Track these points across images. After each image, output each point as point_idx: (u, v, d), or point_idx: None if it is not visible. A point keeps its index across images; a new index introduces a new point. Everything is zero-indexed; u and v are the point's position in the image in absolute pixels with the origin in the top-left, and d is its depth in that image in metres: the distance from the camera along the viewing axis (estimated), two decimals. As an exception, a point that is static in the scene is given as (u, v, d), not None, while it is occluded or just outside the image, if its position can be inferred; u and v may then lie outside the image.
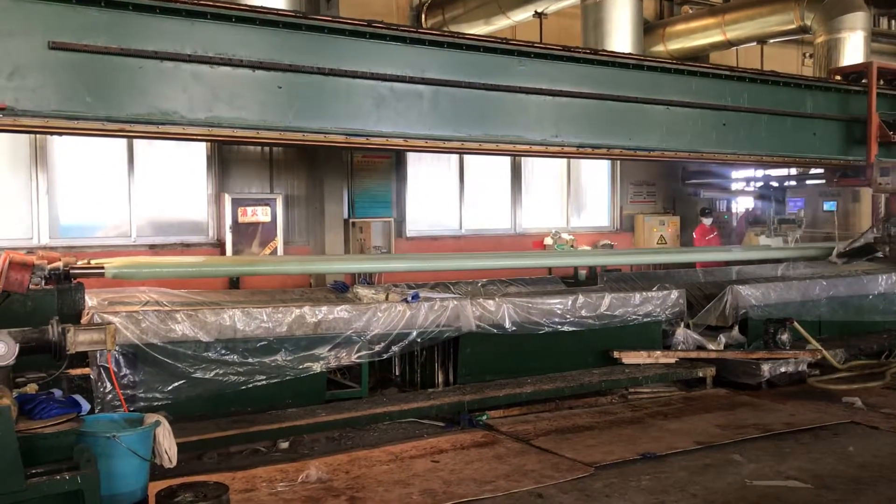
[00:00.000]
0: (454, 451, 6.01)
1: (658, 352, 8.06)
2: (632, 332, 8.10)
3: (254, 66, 6.20)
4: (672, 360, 8.01)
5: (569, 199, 14.15)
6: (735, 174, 11.57)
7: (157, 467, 4.74)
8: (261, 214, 10.52)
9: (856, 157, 9.61)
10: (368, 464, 5.76)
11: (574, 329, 7.75)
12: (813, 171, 11.86)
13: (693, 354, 8.13)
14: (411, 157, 12.13)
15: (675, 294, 8.35)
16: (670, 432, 6.48)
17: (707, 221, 12.83)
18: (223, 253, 10.44)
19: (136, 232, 10.25)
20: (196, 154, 10.57)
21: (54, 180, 9.77)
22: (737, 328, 8.58)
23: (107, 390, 5.66)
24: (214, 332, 6.17)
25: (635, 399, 7.64)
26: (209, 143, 10.31)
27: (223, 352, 6.21)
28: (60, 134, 6.45)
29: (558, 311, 7.69)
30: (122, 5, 5.68)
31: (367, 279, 9.68)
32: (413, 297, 7.05)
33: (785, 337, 8.27)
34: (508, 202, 13.49)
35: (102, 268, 6.37)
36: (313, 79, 6.43)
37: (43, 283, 5.88)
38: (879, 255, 9.40)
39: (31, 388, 4.44)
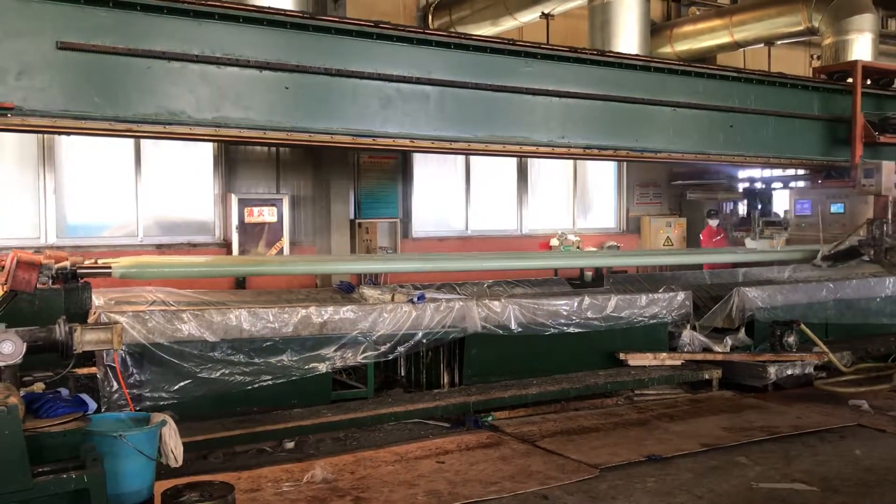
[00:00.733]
0: (459, 452, 6.01)
1: (664, 354, 8.04)
2: (638, 334, 8.09)
3: (261, 66, 6.21)
4: (678, 362, 7.99)
5: (575, 201, 14.13)
6: (720, 175, 11.34)
7: (163, 467, 4.76)
8: (267, 215, 10.54)
9: (841, 158, 9.44)
10: (374, 464, 5.76)
11: (580, 330, 7.74)
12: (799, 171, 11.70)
13: (699, 356, 8.11)
14: (417, 158, 12.13)
15: (681, 296, 8.34)
16: (676, 434, 6.47)
17: (713, 223, 12.80)
18: (229, 253, 10.46)
19: (142, 232, 10.27)
20: (203, 154, 10.59)
21: (62, 180, 9.80)
22: (743, 330, 8.55)
23: (113, 389, 5.67)
24: (220, 332, 6.19)
25: (641, 401, 7.63)
26: (216, 144, 10.32)
27: (229, 352, 6.22)
28: (68, 134, 6.49)
29: (564, 313, 7.69)
30: (129, 6, 5.70)
31: (373, 280, 9.70)
32: (419, 298, 7.06)
33: (791, 339, 8.26)
34: (514, 203, 13.48)
35: (109, 267, 6.39)
36: (320, 79, 6.44)
37: (50, 283, 5.91)
38: (865, 258, 9.20)
39: (38, 387, 4.46)
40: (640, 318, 8.08)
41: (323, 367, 6.52)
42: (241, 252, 10.39)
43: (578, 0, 10.57)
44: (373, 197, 11.39)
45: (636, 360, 7.92)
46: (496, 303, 7.40)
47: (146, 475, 4.50)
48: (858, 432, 6.59)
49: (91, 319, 5.88)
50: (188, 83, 5.98)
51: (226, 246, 10.62)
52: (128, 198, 10.18)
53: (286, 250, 10.64)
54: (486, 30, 11.56)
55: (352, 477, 5.49)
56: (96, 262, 6.52)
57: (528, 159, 13.14)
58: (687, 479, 5.44)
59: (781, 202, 12.77)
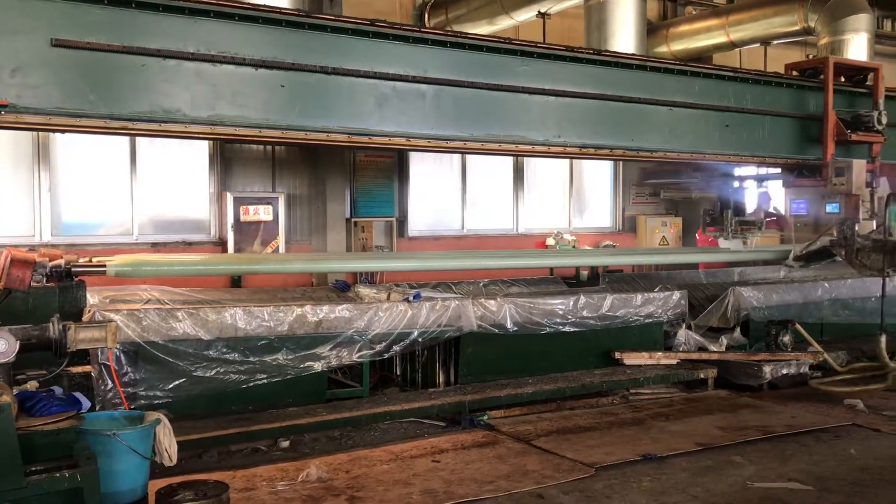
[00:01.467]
0: (455, 451, 6.00)
1: (659, 353, 8.05)
2: (633, 333, 8.10)
3: (256, 64, 6.20)
4: (673, 362, 8.00)
5: (571, 200, 14.12)
6: (695, 174, 11.10)
7: (158, 465, 4.75)
8: (263, 213, 10.52)
9: (812, 156, 9.31)
10: (369, 463, 5.75)
11: (575, 329, 7.74)
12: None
13: (694, 356, 8.12)
14: (413, 157, 12.11)
15: (676, 295, 8.35)
16: (671, 433, 6.47)
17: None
18: (225, 251, 10.44)
19: (137, 230, 10.24)
20: (198, 152, 10.56)
21: (57, 178, 9.76)
22: (738, 330, 8.57)
23: (108, 388, 5.66)
24: (215, 331, 6.18)
25: (636, 400, 7.63)
26: (211, 142, 10.30)
27: (224, 350, 6.21)
28: (63, 131, 6.47)
29: (560, 312, 7.69)
30: (125, 3, 5.69)
31: (369, 279, 9.69)
32: (414, 297, 7.05)
33: (787, 339, 8.28)
34: (510, 202, 13.47)
35: (104, 266, 6.38)
36: (316, 77, 6.43)
37: (44, 281, 5.89)
38: (837, 258, 9.13)
39: (32, 386, 4.44)
40: (636, 318, 8.08)
41: (318, 366, 6.51)
42: (237, 251, 10.37)
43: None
44: (369, 196, 11.37)
45: (632, 359, 7.93)
46: (492, 302, 7.39)
47: (140, 474, 4.49)
48: (854, 432, 6.60)
49: (85, 318, 5.86)
50: (183, 81, 5.97)
51: (221, 244, 10.59)
52: (123, 196, 10.15)
53: (282, 249, 10.62)
54: (482, 28, 11.55)
55: (347, 476, 5.48)
56: (91, 261, 6.51)
57: (525, 158, 13.13)
58: (682, 479, 5.44)
59: (778, 201, 12.77)
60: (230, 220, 10.39)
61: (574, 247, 12.96)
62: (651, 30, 13.01)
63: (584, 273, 9.95)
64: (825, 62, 9.24)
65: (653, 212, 14.53)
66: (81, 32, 5.56)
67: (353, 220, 11.22)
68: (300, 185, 11.06)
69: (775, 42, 12.84)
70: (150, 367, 5.95)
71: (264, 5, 6.39)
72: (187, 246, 10.45)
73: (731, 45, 12.88)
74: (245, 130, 6.24)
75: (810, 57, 14.64)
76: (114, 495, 4.27)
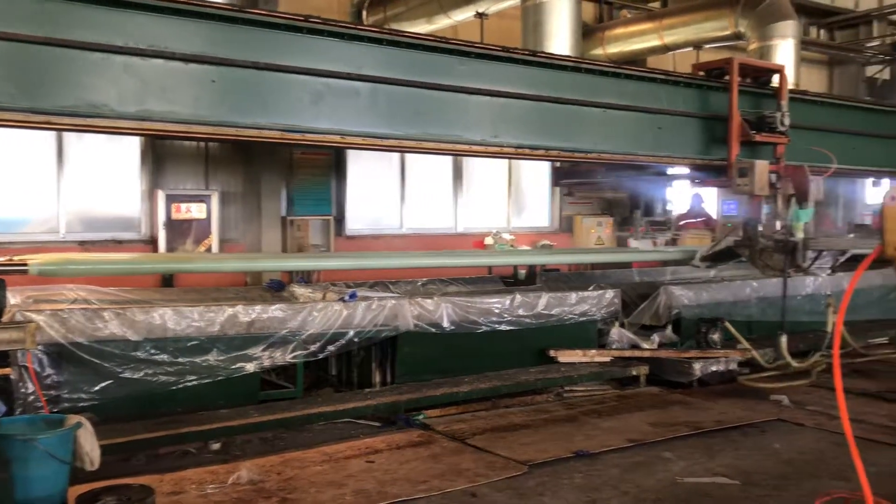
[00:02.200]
0: (389, 451, 5.97)
1: (593, 350, 8.15)
2: (568, 331, 8.18)
3: (187, 59, 6.06)
4: (607, 359, 8.11)
5: (510, 200, 14.23)
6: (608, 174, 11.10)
7: (82, 471, 4.61)
8: (195, 211, 10.32)
9: (718, 157, 9.21)
10: (302, 465, 5.68)
11: (512, 328, 7.79)
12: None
13: (627, 353, 8.25)
14: (351, 155, 12.04)
15: (610, 294, 8.47)
16: (604, 430, 6.56)
17: (643, 223, 13.03)
18: (156, 250, 10.22)
19: (65, 228, 9.94)
20: (129, 149, 10.31)
21: (-23, 174, 9.42)
22: (670, 327, 8.74)
23: (28, 391, 5.47)
24: (144, 331, 6.03)
25: (570, 397, 7.71)
26: (142, 138, 10.06)
27: (153, 351, 6.06)
28: (-19, 125, 6.21)
29: (496, 311, 7.72)
30: (48, -7, 5.49)
31: (305, 278, 9.58)
32: (350, 297, 7.00)
33: (716, 336, 8.46)
34: (450, 201, 13.50)
35: (26, 264, 6.15)
36: (248, 73, 6.31)
37: (-39, 281, 5.66)
38: (742, 259, 9.22)
39: (-55, 390, 4.27)
40: (571, 316, 8.17)
41: (250, 367, 6.41)
42: (169, 249, 10.16)
43: (512, 0, 10.64)
44: (305, 194, 11.25)
45: (566, 357, 8.01)
46: (429, 301, 7.38)
47: (59, 480, 4.35)
48: (778, 426, 6.79)
49: (6, 318, 5.64)
50: (111, 75, 5.79)
51: (152, 243, 10.36)
52: (49, 193, 9.85)
53: (215, 248, 10.44)
54: (420, 27, 11.54)
55: (279, 478, 5.41)
56: (12, 259, 6.27)
57: (464, 158, 13.17)
58: (613, 475, 5.52)
59: (710, 202, 13.06)
60: (162, 218, 10.18)
61: (512, 246, 13.06)
62: (587, 32, 13.19)
63: (522, 272, 10.02)
64: (730, 62, 9.11)
65: (588, 212, 14.72)
66: (3, 23, 5.34)
67: (289, 218, 11.09)
68: (234, 182, 10.89)
69: (707, 46, 13.16)
70: (75, 369, 5.77)
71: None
72: (117, 244, 10.19)
73: (665, 49, 13.15)
74: (175, 126, 6.09)
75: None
76: (31, 501, 4.13)
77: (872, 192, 15.39)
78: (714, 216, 10.92)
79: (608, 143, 8.35)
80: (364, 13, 12.33)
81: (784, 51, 11.53)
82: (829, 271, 10.18)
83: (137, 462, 5.65)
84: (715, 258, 9.31)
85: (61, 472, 4.34)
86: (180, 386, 6.14)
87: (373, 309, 6.95)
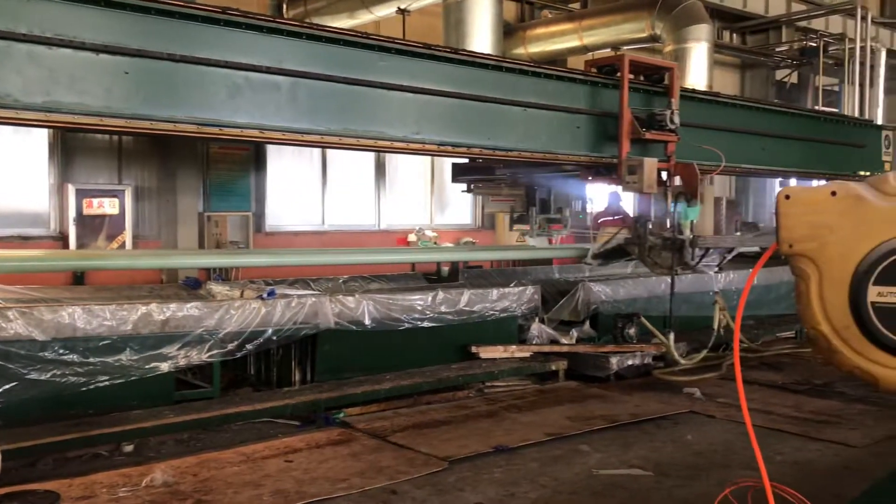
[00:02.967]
0: (308, 451, 5.91)
1: (514, 346, 8.24)
2: (489, 328, 8.24)
3: (98, 49, 5.83)
4: (527, 354, 8.21)
5: (433, 197, 14.26)
6: (499, 172, 11.08)
7: (-17, 477, 4.41)
8: (108, 206, 9.99)
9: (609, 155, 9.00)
10: (218, 466, 5.57)
11: (434, 325, 7.79)
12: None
13: (547, 348, 8.37)
14: (271, 150, 11.86)
15: (530, 290, 8.57)
16: (523, 425, 6.64)
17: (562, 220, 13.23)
18: (66, 247, 9.85)
19: (-34, 223, 9.50)
20: (37, 141, 9.91)
21: None
22: (588, 323, 8.89)
23: (-75, 395, 5.20)
24: (52, 331, 5.79)
25: (491, 393, 7.78)
26: (51, 130, 9.68)
27: (61, 351, 5.82)
28: None
29: (418, 308, 7.72)
30: (-55, -24, 5.22)
31: (223, 275, 9.39)
32: (269, 294, 6.88)
33: (632, 331, 8.67)
34: (373, 198, 13.45)
35: (-78, 262, 5.85)
36: (163, 65, 6.12)
37: None
38: (633, 257, 9.22)
39: None
40: (492, 312, 8.24)
41: (165, 367, 6.23)
42: (79, 246, 9.81)
43: (433, -3, 10.65)
44: (223, 189, 11.03)
45: (487, 352, 8.07)
46: (350, 298, 7.32)
47: (-41, 487, 4.15)
48: (691, 418, 6.99)
49: None
50: (14, 64, 5.52)
51: (62, 239, 9.99)
52: (-50, 186, 9.40)
53: (129, 244, 10.14)
54: (342, 22, 11.45)
55: (194, 479, 5.29)
56: None
57: (387, 154, 13.13)
58: (532, 469, 5.59)
59: (627, 201, 13.36)
60: (72, 213, 9.82)
61: (435, 243, 13.10)
62: (508, 31, 13.32)
63: (445, 269, 10.05)
64: (621, 59, 8.98)
65: (511, 209, 14.85)
66: None
67: (206, 214, 10.85)
68: (149, 177, 10.59)
69: (625, 48, 13.44)
70: (-24, 371, 5.51)
71: (107, -13, 6.04)
72: (23, 241, 9.77)
73: (585, 50, 13.39)
74: (85, 118, 5.85)
75: (658, 64, 15.42)
76: (-72, 511, 3.93)
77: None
78: (631, 214, 11.11)
79: (529, 141, 8.44)
80: (284, 6, 12.16)
81: (698, 54, 11.89)
82: (716, 269, 10.26)
83: (44, 466, 5.44)
84: (606, 256, 9.35)
85: (-40, 480, 4.15)
86: (91, 387, 5.92)
87: (292, 307, 6.85)
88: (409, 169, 13.83)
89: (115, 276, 9.33)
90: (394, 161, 13.54)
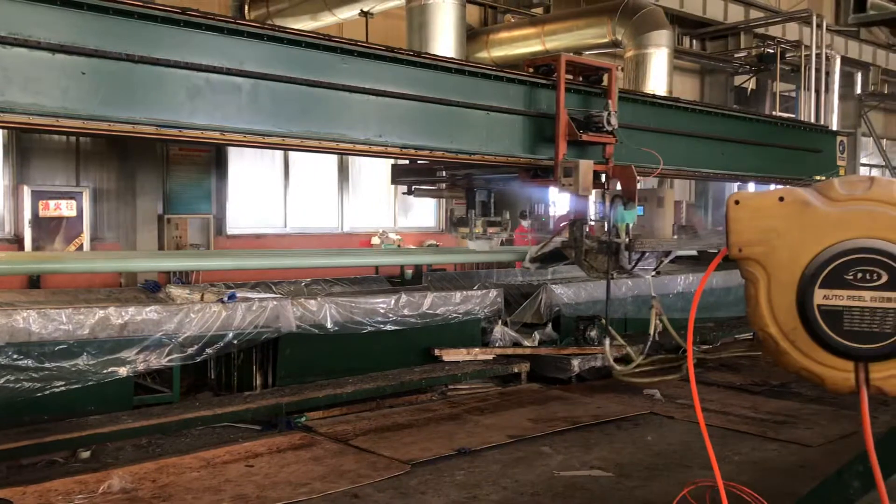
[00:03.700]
0: (270, 455, 5.87)
1: (477, 349, 8.27)
2: (453, 330, 8.26)
3: (54, 49, 5.75)
4: (490, 357, 8.24)
5: (396, 199, 14.25)
6: (441, 174, 10.36)
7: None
8: (65, 209, 9.83)
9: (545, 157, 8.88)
10: (178, 471, 5.51)
11: (397, 328, 7.79)
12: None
13: (509, 351, 8.41)
14: (233, 152, 11.77)
15: (493, 293, 8.61)
16: (486, 427, 6.66)
17: (525, 223, 13.34)
18: (21, 249, 9.66)
19: (-83, 225, 9.28)
20: (-9, 142, 9.73)
21: None
22: (550, 325, 8.96)
23: None
24: (5, 336, 5.68)
25: (454, 395, 7.80)
26: (5, 130, 9.49)
27: (15, 356, 5.71)
28: None
29: (381, 311, 7.71)
30: None
31: (183, 279, 9.29)
32: (229, 298, 6.83)
33: (594, 333, 8.74)
34: (336, 201, 13.40)
35: None
36: (121, 66, 6.05)
37: None
38: (569, 260, 9.14)
39: None
40: (455, 315, 8.25)
41: (123, 371, 6.15)
42: (35, 249, 9.63)
43: (397, 0, 10.65)
44: (184, 191, 10.92)
45: (450, 355, 8.09)
46: (312, 302, 7.29)
47: None
48: (651, 419, 7.08)
49: None
50: (-34, 63, 5.44)
51: (17, 242, 9.80)
52: None
53: (87, 247, 9.98)
54: (305, 24, 11.41)
55: (153, 485, 5.22)
56: None
57: (350, 157, 13.10)
58: (494, 471, 5.62)
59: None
60: (28, 215, 9.63)
61: (399, 245, 13.09)
62: (472, 35, 13.37)
63: (409, 272, 10.05)
64: (558, 59, 8.78)
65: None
66: None
67: (166, 216, 10.72)
68: (108, 178, 10.45)
69: (587, 52, 13.57)
70: (-73, 377, 5.38)
71: (64, -14, 5.95)
72: (-23, 244, 9.58)
73: (547, 54, 13.46)
74: (40, 119, 5.76)
75: (620, 69, 15.60)
76: None
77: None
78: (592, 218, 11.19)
79: (492, 145, 8.48)
80: (246, 8, 12.08)
81: (658, 59, 12.05)
82: (653, 272, 10.13)
83: (-2, 474, 5.33)
84: (544, 259, 9.31)
85: None
86: (46, 392, 5.82)
87: (253, 310, 6.80)
88: (372, 171, 13.81)
89: (73, 279, 9.18)
90: (357, 163, 13.51)
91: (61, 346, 5.91)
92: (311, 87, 7.12)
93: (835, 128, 15.58)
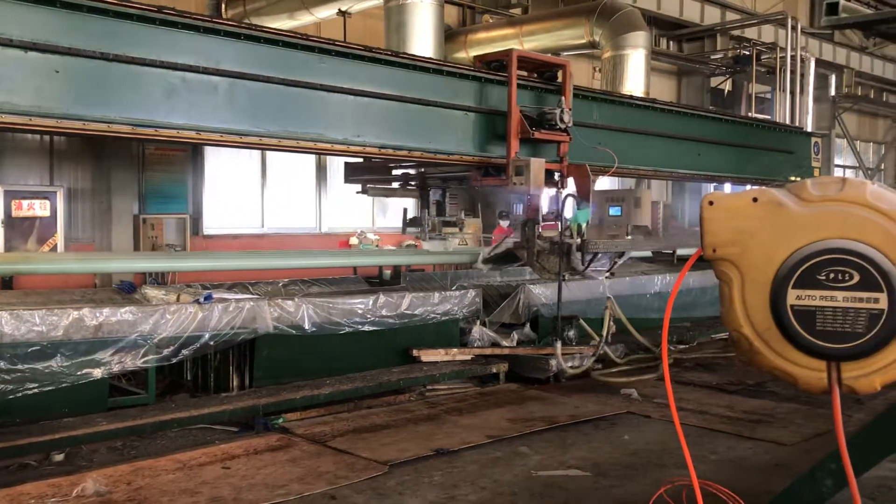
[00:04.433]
0: (247, 457, 5.82)
1: (455, 349, 8.26)
2: (431, 331, 8.25)
3: (27, 46, 5.69)
4: (468, 357, 8.24)
5: (374, 200, 14.21)
6: (395, 172, 10.28)
7: None
8: (39, 208, 9.72)
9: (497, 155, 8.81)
10: (153, 473, 5.45)
11: (375, 329, 7.76)
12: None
13: (488, 351, 8.41)
14: (210, 152, 11.70)
15: (472, 293, 8.61)
16: (464, 427, 6.66)
17: (504, 224, 13.35)
18: (-6, 250, 9.55)
19: None
20: (-37, 140, 9.60)
21: None
22: (528, 325, 8.97)
23: None
24: (-23, 337, 5.61)
25: (432, 396, 7.78)
26: (-22, 129, 9.37)
27: (-13, 359, 5.65)
28: None
29: (359, 311, 7.68)
30: None
31: (158, 279, 9.21)
32: (206, 298, 6.78)
33: (571, 333, 8.76)
34: (313, 201, 13.35)
35: None
36: (96, 64, 6.01)
37: None
38: (521, 261, 8.98)
39: None
40: (434, 315, 8.24)
41: (98, 373, 6.08)
42: (8, 249, 9.52)
43: (374, 0, 10.63)
44: (160, 191, 10.83)
45: (429, 356, 8.08)
46: (289, 302, 7.25)
47: None
48: (628, 419, 7.10)
49: None
50: (-62, 60, 5.37)
51: (-10, 242, 9.68)
52: None
53: (61, 247, 9.87)
54: (282, 23, 11.36)
55: (128, 488, 5.16)
56: None
57: (328, 157, 13.05)
58: (472, 471, 5.61)
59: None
60: (0, 215, 9.51)
61: (377, 246, 13.06)
62: (450, 35, 13.38)
63: (388, 272, 10.02)
64: (509, 54, 8.62)
65: (453, 213, 14.92)
66: None
67: (142, 216, 10.63)
68: (83, 178, 10.34)
69: (565, 53, 13.62)
70: None
71: (37, -17, 5.88)
72: (-51, 244, 9.45)
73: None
74: (13, 118, 5.70)
75: (597, 70, 15.70)
76: None
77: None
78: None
79: (469, 145, 8.49)
80: (223, 6, 12.01)
81: (636, 60, 12.12)
82: (607, 274, 9.81)
83: (-31, 478, 5.26)
84: (497, 260, 9.20)
85: None
86: (19, 395, 5.75)
87: (230, 311, 6.75)
88: (351, 171, 13.74)
89: (47, 280, 9.07)
90: (335, 163, 13.47)
91: (34, 348, 5.84)
92: (288, 87, 7.10)
93: (809, 129, 15.77)
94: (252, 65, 6.83)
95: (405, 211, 10.49)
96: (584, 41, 12.65)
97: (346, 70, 7.50)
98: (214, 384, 7.10)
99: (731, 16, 19.75)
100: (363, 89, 7.61)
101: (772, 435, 6.53)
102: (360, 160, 9.97)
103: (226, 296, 7.22)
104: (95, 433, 5.77)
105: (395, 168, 9.81)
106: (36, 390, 5.82)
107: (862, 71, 24.22)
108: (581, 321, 8.76)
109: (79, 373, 6.00)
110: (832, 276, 2.45)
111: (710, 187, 16.32)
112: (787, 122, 15.52)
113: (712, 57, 19.77)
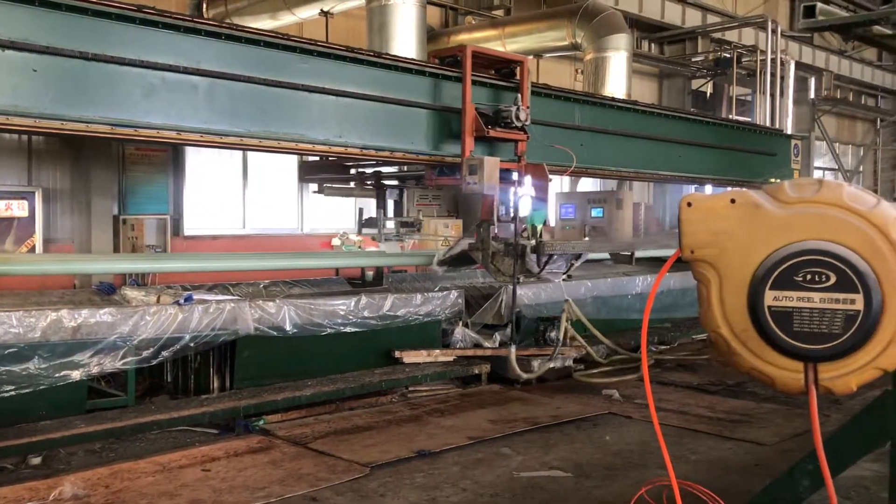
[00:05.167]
0: (227, 459, 5.79)
1: (437, 350, 8.26)
2: (413, 332, 8.23)
3: (3, 45, 5.63)
4: (450, 358, 8.24)
5: (357, 200, 14.16)
6: (353, 172, 9.98)
7: None
8: (16, 209, 9.60)
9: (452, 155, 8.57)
10: (132, 476, 5.41)
11: (357, 330, 7.74)
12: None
13: (470, 352, 8.41)
14: (190, 152, 11.62)
15: (454, 294, 8.60)
16: (446, 429, 6.66)
17: (487, 225, 13.33)
18: (-29, 251, 9.43)
19: None
20: (-61, 140, 9.49)
21: None
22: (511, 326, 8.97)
23: None
24: (-48, 339, 5.54)
25: (415, 397, 7.78)
26: (-46, 129, 9.26)
27: (-37, 361, 5.58)
28: None
29: (341, 312, 7.65)
30: None
31: (138, 280, 9.14)
32: (186, 300, 6.74)
33: (554, 334, 8.78)
34: (295, 201, 13.29)
35: None
36: (74, 63, 5.95)
37: None
38: (476, 263, 8.84)
39: None
40: (416, 317, 8.23)
41: (76, 375, 6.02)
42: (-15, 250, 9.40)
43: (357, 0, 10.61)
44: (140, 191, 10.74)
45: (411, 357, 8.06)
46: (270, 303, 7.22)
47: None
48: (609, 419, 7.13)
49: None
50: (-88, 59, 5.29)
51: (-33, 243, 9.56)
52: None
53: (39, 248, 9.76)
54: (264, 23, 11.31)
55: (106, 491, 5.12)
56: None
57: (310, 158, 12.99)
58: (454, 473, 5.61)
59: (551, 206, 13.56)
60: (-24, 216, 9.42)
61: (360, 247, 13.02)
62: (433, 36, 13.37)
63: (370, 273, 10.00)
64: (463, 50, 8.38)
65: (435, 213, 14.92)
66: None
67: (122, 217, 10.54)
68: (62, 178, 10.23)
69: (548, 55, 13.68)
70: None
71: (14, -19, 5.82)
72: (-76, 244, 9.32)
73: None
74: (-11, 117, 5.65)
75: (580, 72, 15.74)
76: None
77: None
78: (552, 220, 11.25)
79: (449, 146, 8.48)
80: (204, 6, 11.93)
81: (617, 62, 12.17)
82: (564, 276, 9.54)
83: (-56, 482, 5.19)
84: (452, 262, 9.10)
85: None
86: (-5, 397, 5.69)
87: (210, 312, 6.71)
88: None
89: (25, 281, 8.96)
90: (318, 164, 13.42)
91: (11, 350, 5.77)
92: (269, 87, 7.07)
93: (789, 131, 15.91)
94: (233, 65, 6.80)
95: (360, 211, 10.30)
96: (566, 43, 12.68)
97: (328, 70, 7.48)
98: (195, 386, 7.06)
99: (711, 19, 19.88)
100: (345, 90, 7.59)
101: (752, 435, 6.58)
102: (317, 158, 9.76)
103: (206, 297, 7.18)
104: (73, 436, 5.71)
105: (353, 167, 9.68)
106: (13, 393, 5.76)
107: (841, 74, 24.45)
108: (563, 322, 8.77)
109: (57, 375, 5.94)
110: (809, 277, 2.47)
111: (692, 189, 16.42)
112: (768, 124, 15.64)
113: (693, 59, 19.89)
